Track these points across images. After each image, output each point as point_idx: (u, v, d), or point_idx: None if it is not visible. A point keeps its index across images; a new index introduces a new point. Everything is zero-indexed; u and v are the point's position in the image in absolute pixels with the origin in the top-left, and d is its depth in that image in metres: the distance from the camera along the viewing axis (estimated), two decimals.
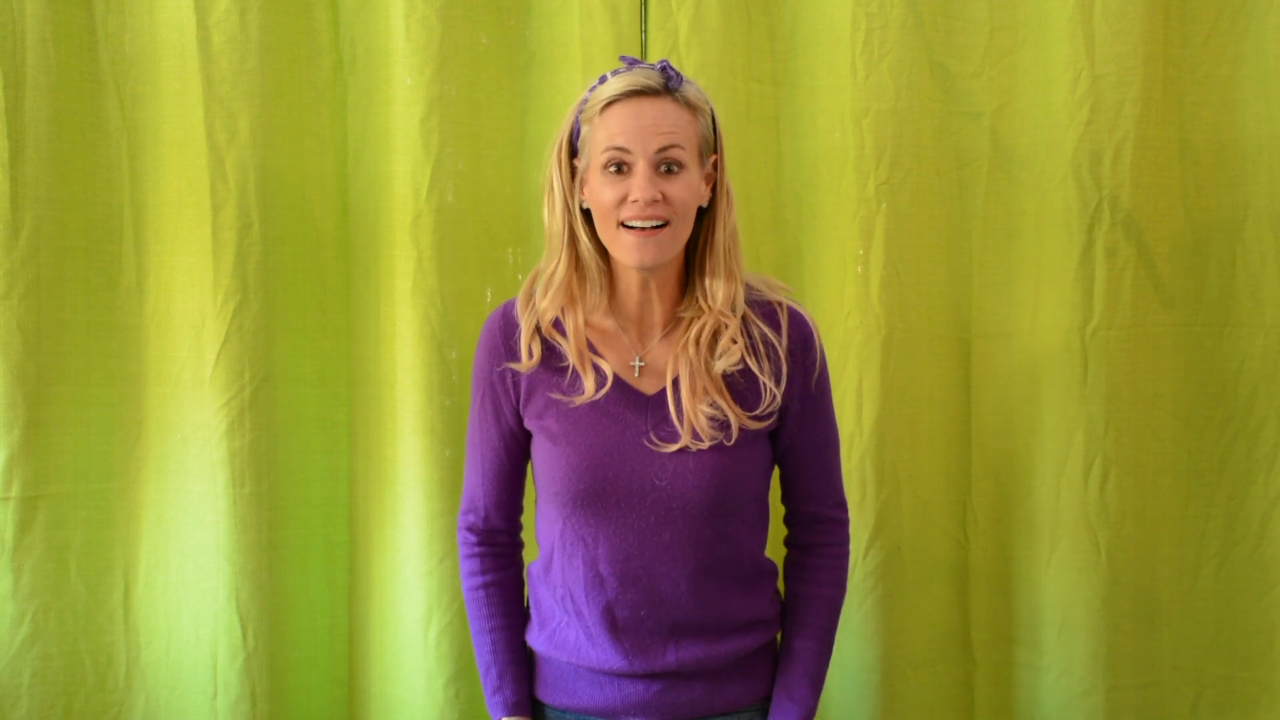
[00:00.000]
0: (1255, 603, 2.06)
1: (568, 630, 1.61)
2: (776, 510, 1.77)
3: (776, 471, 1.70)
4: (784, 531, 1.73)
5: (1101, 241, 2.00)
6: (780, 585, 1.71)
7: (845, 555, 1.68)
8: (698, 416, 1.53)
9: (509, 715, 1.63)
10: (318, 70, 2.05)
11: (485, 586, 1.67)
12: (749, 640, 1.61)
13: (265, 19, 1.98)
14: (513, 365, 1.61)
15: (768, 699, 1.65)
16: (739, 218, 2.04)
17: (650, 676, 1.59)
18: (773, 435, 1.63)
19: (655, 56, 2.04)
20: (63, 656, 1.98)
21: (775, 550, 1.74)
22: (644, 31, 2.05)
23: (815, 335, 1.62)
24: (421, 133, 1.98)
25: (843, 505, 1.69)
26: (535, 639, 1.65)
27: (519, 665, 1.66)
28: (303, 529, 2.07)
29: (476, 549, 1.68)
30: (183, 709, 2.02)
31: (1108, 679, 2.03)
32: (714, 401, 1.54)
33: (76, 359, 1.98)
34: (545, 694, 1.65)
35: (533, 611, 1.68)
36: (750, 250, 2.08)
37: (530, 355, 1.59)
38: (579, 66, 2.02)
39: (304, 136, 2.04)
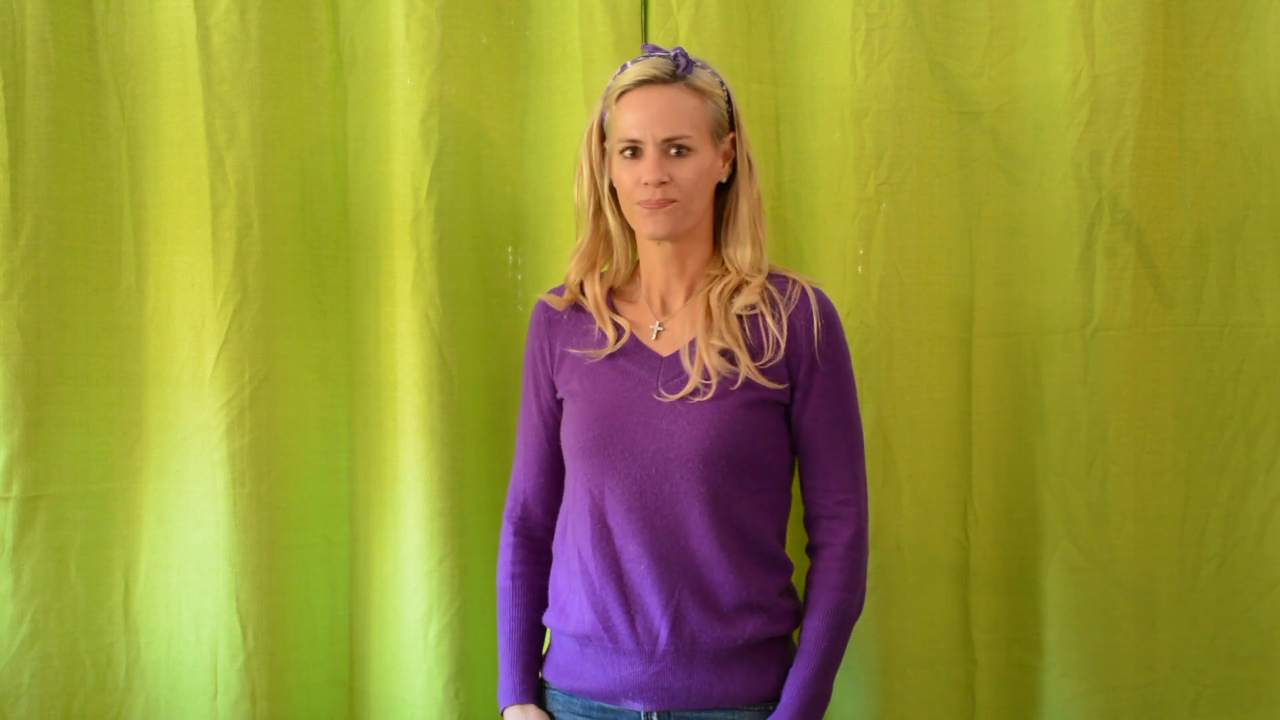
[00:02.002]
0: (1255, 603, 2.07)
1: (573, 599, 1.65)
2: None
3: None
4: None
5: (1101, 241, 2.01)
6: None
7: (853, 559, 1.66)
8: (710, 355, 1.61)
9: (515, 703, 1.68)
10: (318, 70, 2.06)
11: (513, 578, 1.75)
12: (750, 625, 1.61)
13: (265, 19, 1.98)
14: (550, 298, 1.74)
15: (774, 701, 1.65)
16: None
17: (651, 646, 1.59)
18: (787, 415, 1.67)
19: None
20: (63, 656, 1.98)
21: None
22: (644, 31, 2.05)
23: (822, 312, 1.67)
24: (421, 133, 1.98)
25: (851, 502, 1.68)
26: (550, 615, 1.70)
27: (532, 657, 1.72)
28: (303, 529, 2.06)
29: (512, 539, 1.76)
30: (183, 709, 2.02)
31: (1108, 679, 2.03)
32: (727, 344, 1.62)
33: (76, 359, 1.98)
34: (554, 676, 1.70)
35: (550, 593, 1.72)
36: None
37: (567, 297, 1.73)
38: (579, 66, 2.02)
39: (304, 136, 2.04)
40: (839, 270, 2.05)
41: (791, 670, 1.64)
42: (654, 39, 2.04)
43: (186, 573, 2.01)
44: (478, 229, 2.04)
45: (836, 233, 2.05)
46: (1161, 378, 2.04)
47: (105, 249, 2.01)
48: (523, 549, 1.76)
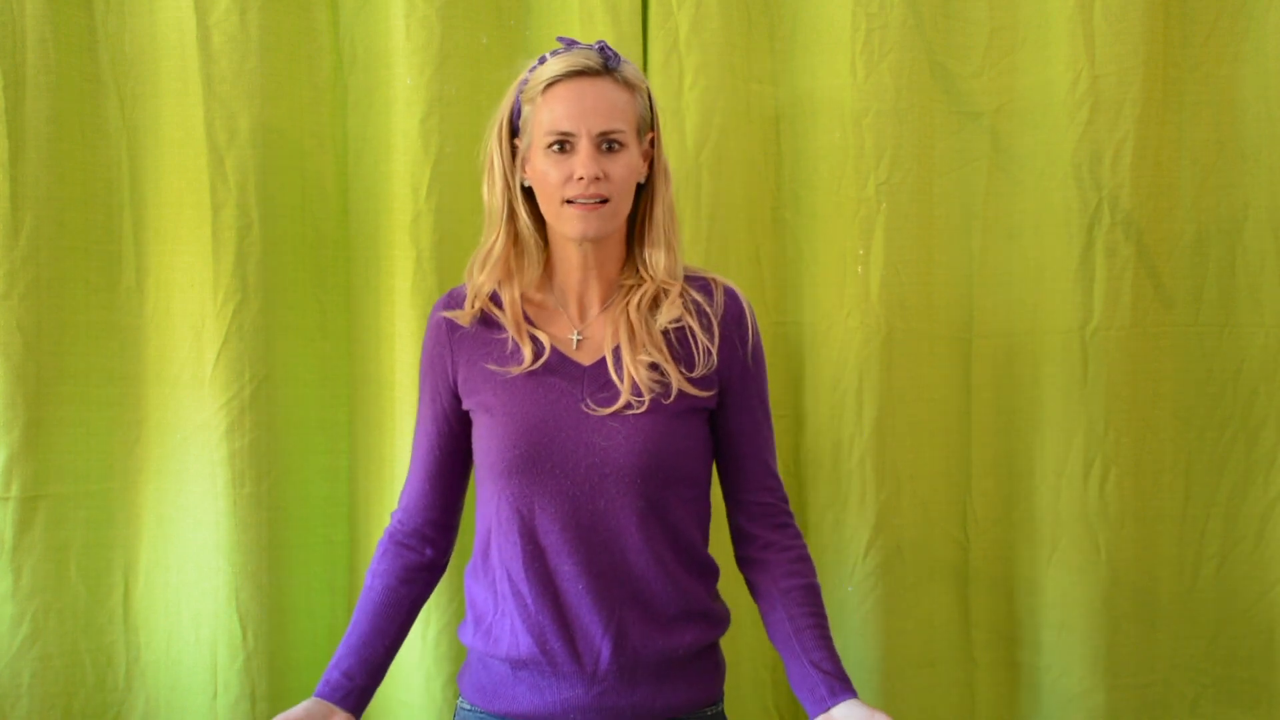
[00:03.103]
0: (1255, 603, 2.07)
1: (503, 621, 1.59)
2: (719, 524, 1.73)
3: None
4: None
5: (1101, 241, 2.01)
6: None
7: (806, 545, 1.65)
8: (639, 370, 1.55)
9: (320, 696, 1.58)
10: (318, 70, 2.05)
11: (372, 575, 1.66)
12: (689, 634, 1.58)
13: (265, 19, 1.98)
14: (452, 314, 1.63)
15: (711, 705, 1.63)
16: (739, 215, 2.08)
17: (593, 666, 1.55)
18: (712, 421, 1.63)
19: (655, 56, 2.04)
20: (63, 656, 1.98)
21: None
22: (644, 31, 2.05)
23: (749, 313, 1.64)
24: (421, 133, 1.98)
25: (788, 501, 1.67)
26: (472, 637, 1.63)
27: (359, 662, 1.61)
28: (303, 529, 2.06)
29: (385, 544, 1.68)
30: (183, 709, 2.02)
31: (1108, 679, 2.03)
32: (654, 358, 1.56)
33: (76, 359, 1.98)
34: (479, 698, 1.63)
35: (468, 611, 1.66)
36: (750, 250, 2.09)
37: (472, 309, 1.62)
38: None
39: (304, 136, 2.04)
40: (839, 270, 2.05)
41: (815, 651, 1.56)
42: (654, 39, 2.04)
43: (186, 573, 2.01)
44: (478, 229, 2.02)
45: (836, 233, 2.05)
46: (1161, 378, 2.05)
47: (105, 249, 2.01)
48: (389, 555, 1.66)
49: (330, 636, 2.10)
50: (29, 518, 1.95)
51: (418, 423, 1.69)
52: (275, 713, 2.00)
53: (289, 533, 2.04)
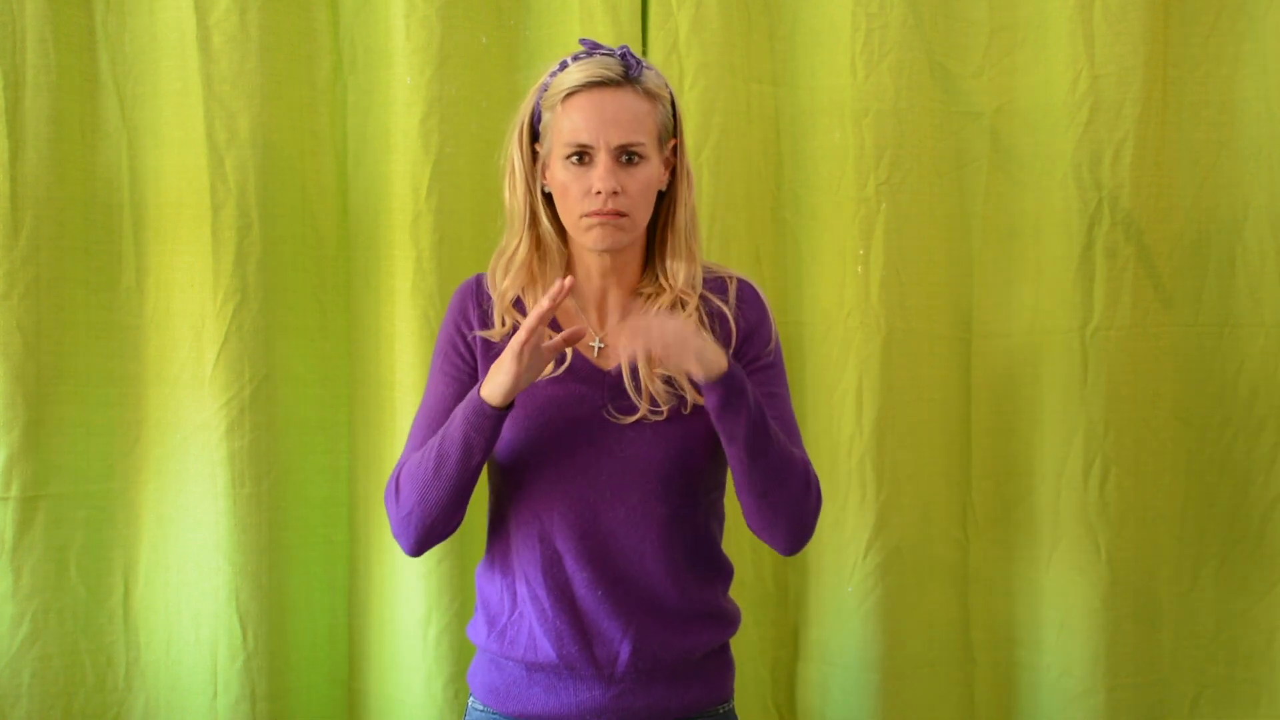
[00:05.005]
0: (1255, 603, 2.07)
1: (520, 624, 1.57)
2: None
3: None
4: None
5: (1101, 241, 2.01)
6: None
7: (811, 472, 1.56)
8: (654, 382, 1.53)
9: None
10: (318, 70, 2.06)
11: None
12: (706, 635, 1.58)
13: (265, 19, 1.98)
14: (483, 334, 1.58)
15: (724, 703, 1.62)
16: (739, 215, 2.08)
17: (610, 670, 1.55)
18: None
19: (655, 56, 2.04)
20: (63, 656, 1.98)
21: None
22: (644, 31, 2.05)
23: (764, 306, 1.61)
24: (421, 133, 1.98)
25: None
26: (486, 638, 1.61)
27: None
28: (303, 529, 2.06)
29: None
30: (183, 709, 2.02)
31: (1108, 679, 2.03)
32: (668, 370, 1.52)
33: (76, 359, 1.98)
34: (491, 698, 1.61)
35: (479, 612, 1.64)
36: (750, 250, 2.09)
37: (503, 323, 1.58)
38: None
39: (304, 136, 2.04)
40: (839, 270, 2.05)
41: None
42: (654, 39, 2.04)
43: (186, 573, 2.01)
44: (478, 229, 2.03)
45: (836, 233, 2.05)
46: (1161, 378, 2.05)
47: (105, 249, 2.01)
48: None
49: (330, 636, 2.10)
50: (29, 518, 1.95)
51: (429, 396, 1.59)
52: (275, 713, 2.01)
53: (289, 533, 2.04)
